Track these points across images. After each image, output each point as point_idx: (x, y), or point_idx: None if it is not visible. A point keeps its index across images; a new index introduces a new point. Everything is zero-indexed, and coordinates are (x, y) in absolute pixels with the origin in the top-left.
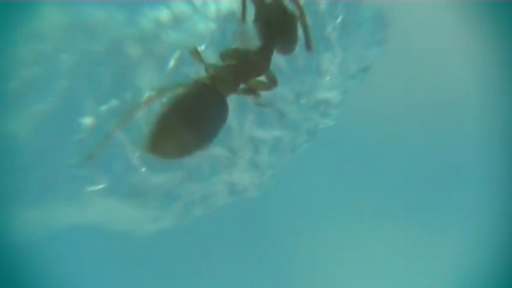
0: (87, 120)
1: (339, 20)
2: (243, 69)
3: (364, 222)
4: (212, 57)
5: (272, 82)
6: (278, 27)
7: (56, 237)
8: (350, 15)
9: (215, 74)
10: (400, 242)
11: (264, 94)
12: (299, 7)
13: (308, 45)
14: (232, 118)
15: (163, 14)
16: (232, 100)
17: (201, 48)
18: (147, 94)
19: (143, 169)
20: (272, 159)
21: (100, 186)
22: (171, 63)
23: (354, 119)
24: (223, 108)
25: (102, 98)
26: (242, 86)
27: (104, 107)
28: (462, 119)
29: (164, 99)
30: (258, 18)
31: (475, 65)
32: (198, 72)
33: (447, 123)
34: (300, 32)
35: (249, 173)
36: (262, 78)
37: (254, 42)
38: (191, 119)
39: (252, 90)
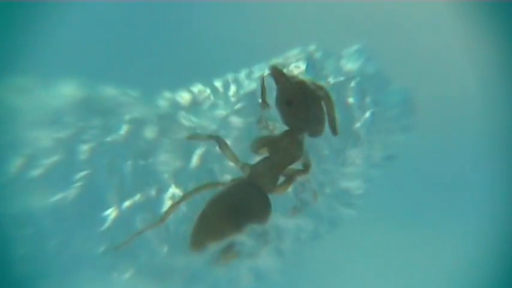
0: (112, 214)
1: (367, 114)
2: (277, 159)
3: (365, 223)
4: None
5: (306, 167)
6: (302, 107)
7: None
8: (378, 106)
9: (252, 172)
10: (401, 243)
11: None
12: (322, 88)
13: (333, 128)
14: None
15: (183, 96)
16: None
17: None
18: (175, 193)
19: (167, 250)
20: (295, 247)
21: (126, 274)
22: (195, 159)
23: None
24: (266, 206)
25: (124, 191)
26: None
27: (127, 203)
28: (462, 119)
29: (206, 197)
30: (280, 101)
31: (475, 66)
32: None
33: (447, 123)
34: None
35: (273, 259)
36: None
37: (278, 127)
38: (235, 219)
39: (290, 180)
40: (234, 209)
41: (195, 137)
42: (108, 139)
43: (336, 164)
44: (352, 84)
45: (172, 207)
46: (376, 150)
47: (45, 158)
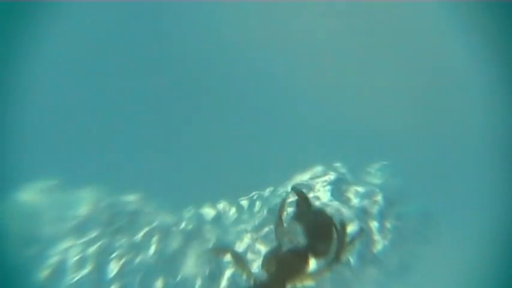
0: None
1: (388, 238)
2: (283, 274)
3: None
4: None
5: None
6: (317, 234)
7: None
8: (399, 221)
9: (260, 284)
10: None
11: None
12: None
13: (337, 256)
14: None
15: (208, 211)
16: None
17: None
18: None
19: None
20: None
21: None
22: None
23: None
24: None
25: None
26: None
27: None
28: (462, 119)
29: None
30: (297, 220)
31: (476, 66)
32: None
33: (447, 123)
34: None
35: None
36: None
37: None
38: None
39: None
40: None
41: (217, 250)
42: (137, 258)
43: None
44: (375, 208)
45: None
46: (393, 260)
47: (74, 271)
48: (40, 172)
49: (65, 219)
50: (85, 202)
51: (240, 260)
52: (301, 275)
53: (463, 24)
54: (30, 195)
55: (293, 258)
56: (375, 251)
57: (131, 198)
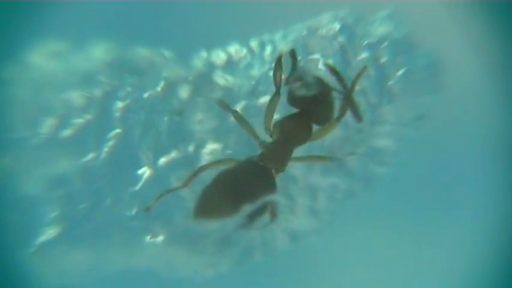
0: (145, 172)
1: (401, 72)
2: (285, 141)
3: (366, 223)
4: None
5: (334, 123)
6: (312, 99)
7: (112, 281)
8: (409, 65)
9: (265, 152)
10: (401, 243)
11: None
12: (343, 82)
13: (357, 117)
14: (291, 166)
15: (219, 56)
16: None
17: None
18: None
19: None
20: (330, 206)
21: (158, 238)
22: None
23: None
24: (271, 187)
25: (159, 148)
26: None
27: (162, 160)
28: (462, 119)
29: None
30: (291, 89)
31: (475, 66)
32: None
33: (447, 123)
34: (335, 103)
35: (308, 219)
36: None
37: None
38: (237, 197)
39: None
40: (236, 189)
41: (222, 104)
42: (144, 95)
43: (370, 122)
44: (385, 44)
45: (193, 175)
46: (406, 110)
47: (78, 117)
48: (50, 34)
49: (74, 76)
50: (95, 59)
51: (244, 122)
52: (305, 140)
53: (463, 24)
54: (40, 58)
55: (295, 126)
56: (389, 84)
57: (142, 52)
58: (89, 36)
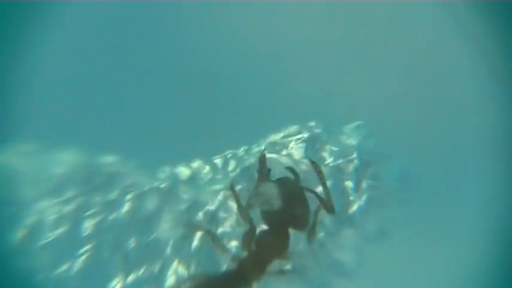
0: (116, 286)
1: (363, 198)
2: (266, 254)
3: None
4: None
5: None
6: (291, 201)
7: None
8: (376, 180)
9: (240, 265)
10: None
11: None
12: (320, 174)
13: (329, 211)
14: None
15: (182, 171)
16: None
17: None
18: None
19: None
20: None
21: None
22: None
23: None
24: None
25: (128, 265)
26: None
27: (131, 277)
28: (462, 119)
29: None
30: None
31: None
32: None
33: (447, 123)
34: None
35: None
36: None
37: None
38: None
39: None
40: None
41: (190, 226)
42: (111, 217)
43: (331, 235)
44: (350, 167)
45: None
46: (372, 224)
47: (50, 230)
48: (19, 135)
49: (43, 180)
50: (63, 164)
51: (215, 238)
52: (283, 253)
53: (462, 24)
54: (8, 157)
55: (273, 236)
56: (350, 212)
57: (109, 160)
58: (58, 140)
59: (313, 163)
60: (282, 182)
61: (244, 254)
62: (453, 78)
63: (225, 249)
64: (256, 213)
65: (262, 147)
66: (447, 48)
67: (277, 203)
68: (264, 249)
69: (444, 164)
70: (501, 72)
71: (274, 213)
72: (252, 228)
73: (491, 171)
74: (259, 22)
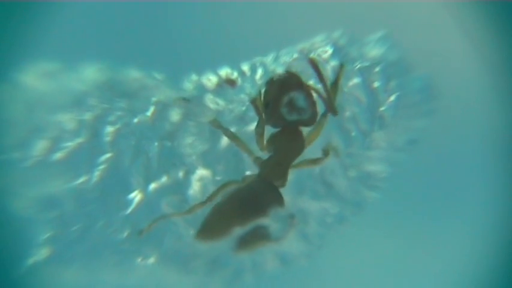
0: (136, 197)
1: (392, 98)
2: (280, 157)
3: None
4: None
5: (325, 153)
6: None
7: None
8: (402, 89)
9: (261, 169)
10: (399, 242)
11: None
12: (319, 73)
13: (331, 110)
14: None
15: (210, 79)
16: None
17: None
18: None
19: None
20: (320, 230)
21: (150, 259)
22: (223, 141)
23: None
24: (280, 202)
25: (150, 173)
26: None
27: (153, 185)
28: (462, 119)
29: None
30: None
31: (475, 66)
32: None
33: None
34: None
35: (298, 243)
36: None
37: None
38: (246, 217)
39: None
40: (246, 208)
41: (215, 124)
42: (134, 120)
43: (361, 147)
44: (377, 69)
45: (197, 206)
46: (399, 134)
47: (69, 140)
48: (40, 55)
49: (65, 96)
50: (86, 81)
51: (237, 140)
52: (301, 150)
53: (462, 24)
54: (30, 78)
55: (288, 139)
56: (380, 110)
57: (133, 74)
58: (80, 57)
59: (311, 60)
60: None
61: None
62: (454, 77)
63: (248, 150)
64: None
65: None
66: (449, 48)
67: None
68: (281, 150)
69: (444, 164)
70: (503, 72)
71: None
72: (261, 122)
73: (492, 172)
74: None
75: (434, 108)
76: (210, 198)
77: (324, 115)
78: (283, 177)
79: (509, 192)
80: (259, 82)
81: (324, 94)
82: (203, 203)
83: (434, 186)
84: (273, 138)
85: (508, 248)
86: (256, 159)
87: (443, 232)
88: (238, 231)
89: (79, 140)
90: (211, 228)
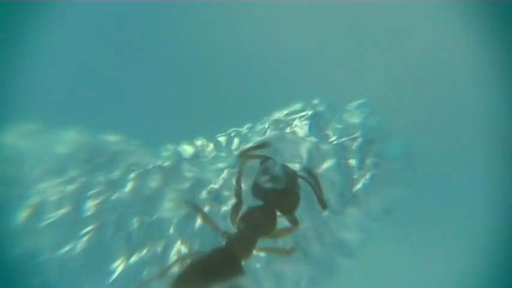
0: (119, 266)
1: (367, 176)
2: (250, 232)
3: None
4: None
5: (294, 225)
6: (279, 192)
7: None
8: (379, 165)
9: (229, 241)
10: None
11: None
12: (311, 173)
13: (322, 205)
14: (256, 257)
15: (186, 149)
16: None
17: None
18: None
19: None
20: None
21: None
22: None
23: None
24: (239, 272)
25: (131, 245)
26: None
27: (134, 257)
28: (463, 119)
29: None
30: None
31: (476, 66)
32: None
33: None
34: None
35: None
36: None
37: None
38: (207, 282)
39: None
40: (205, 275)
41: (191, 205)
42: (113, 197)
43: (335, 214)
44: (354, 145)
45: (171, 265)
46: (375, 203)
47: (52, 211)
48: (22, 115)
49: (46, 159)
50: (66, 143)
51: (206, 217)
52: (270, 231)
53: (463, 24)
54: (12, 138)
55: (261, 217)
56: (354, 190)
57: (112, 139)
58: (60, 119)
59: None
60: (283, 166)
61: (235, 231)
62: (455, 77)
63: (215, 226)
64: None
65: (266, 126)
66: (451, 47)
67: (278, 183)
68: (250, 226)
69: (445, 164)
70: (506, 72)
71: (265, 190)
72: (239, 203)
73: (493, 172)
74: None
75: (412, 176)
76: (177, 261)
77: (294, 224)
78: (248, 250)
79: (509, 193)
80: (235, 152)
81: (315, 187)
82: (171, 265)
83: (434, 186)
84: (247, 213)
85: (508, 248)
86: (224, 234)
87: (443, 232)
88: None
89: (61, 212)
90: None
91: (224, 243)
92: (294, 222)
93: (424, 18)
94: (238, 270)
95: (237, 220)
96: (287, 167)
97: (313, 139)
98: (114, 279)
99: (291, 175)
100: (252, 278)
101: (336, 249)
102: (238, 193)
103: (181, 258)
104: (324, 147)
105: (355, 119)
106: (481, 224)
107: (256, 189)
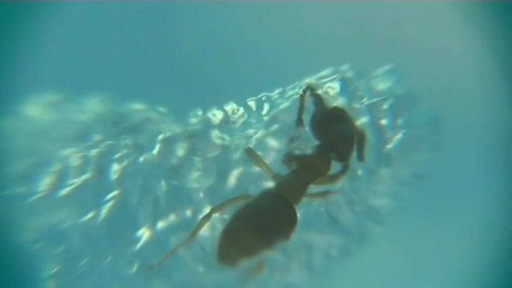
0: (144, 234)
1: (399, 135)
2: (304, 173)
3: None
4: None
5: (345, 170)
6: (336, 131)
7: None
8: (409, 122)
9: (281, 183)
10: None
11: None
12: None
13: (360, 156)
14: None
15: (216, 114)
16: None
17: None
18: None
19: (202, 270)
20: (325, 263)
21: None
22: (231, 179)
23: None
24: (292, 217)
25: (157, 211)
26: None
27: (161, 223)
28: (464, 119)
29: (232, 212)
30: (317, 121)
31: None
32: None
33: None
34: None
35: (303, 274)
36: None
37: (309, 146)
38: (260, 231)
39: (320, 195)
40: (258, 221)
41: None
42: (140, 159)
43: (367, 182)
44: (385, 105)
45: (201, 222)
46: (405, 168)
47: (75, 177)
48: (45, 86)
49: (69, 129)
50: (90, 112)
51: (256, 157)
52: (323, 173)
53: (464, 24)
54: (35, 109)
55: (316, 157)
56: (387, 149)
57: (137, 107)
58: (84, 89)
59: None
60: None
61: (286, 173)
62: (458, 77)
63: (267, 167)
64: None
65: (299, 89)
66: (455, 47)
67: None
68: (305, 168)
69: (447, 163)
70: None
71: (327, 134)
72: (297, 137)
73: (495, 172)
74: None
75: (441, 141)
76: (212, 212)
77: (342, 172)
78: (299, 193)
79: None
80: (265, 118)
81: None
82: (204, 219)
83: (434, 186)
84: (302, 154)
85: (509, 248)
86: (276, 176)
87: (443, 232)
88: (257, 248)
89: (85, 177)
90: (229, 250)
91: (274, 186)
92: (346, 168)
93: None
94: (291, 215)
95: (290, 160)
96: (349, 116)
97: (345, 99)
98: (140, 247)
99: (352, 124)
100: (282, 249)
101: (367, 216)
102: (298, 124)
103: (207, 216)
104: (356, 106)
105: (383, 85)
106: (481, 223)
107: (319, 128)
